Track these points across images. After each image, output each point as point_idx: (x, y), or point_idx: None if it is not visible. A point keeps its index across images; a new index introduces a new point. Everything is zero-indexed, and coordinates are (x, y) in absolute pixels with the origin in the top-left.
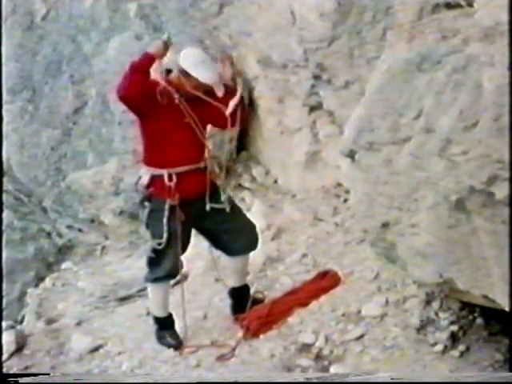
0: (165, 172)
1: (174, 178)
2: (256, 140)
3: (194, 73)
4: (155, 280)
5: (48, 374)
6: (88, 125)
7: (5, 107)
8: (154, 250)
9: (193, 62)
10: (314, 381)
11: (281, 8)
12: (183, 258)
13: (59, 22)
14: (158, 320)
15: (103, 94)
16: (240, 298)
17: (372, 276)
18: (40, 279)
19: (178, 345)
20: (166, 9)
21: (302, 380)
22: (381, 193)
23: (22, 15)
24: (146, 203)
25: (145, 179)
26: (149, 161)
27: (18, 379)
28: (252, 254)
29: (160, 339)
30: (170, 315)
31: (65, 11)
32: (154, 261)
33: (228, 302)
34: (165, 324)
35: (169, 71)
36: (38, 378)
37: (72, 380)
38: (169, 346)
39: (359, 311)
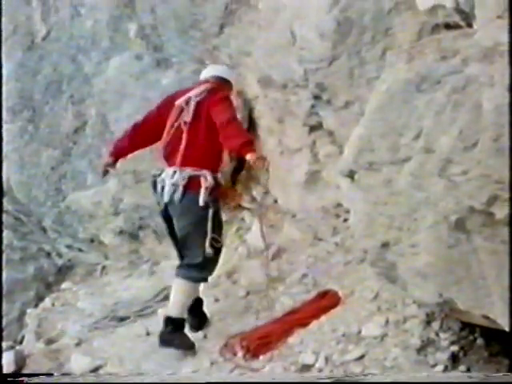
0: (220, 176)
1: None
2: None
3: None
4: (203, 280)
5: (51, 374)
6: (88, 144)
7: (5, 127)
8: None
9: None
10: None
11: (281, 28)
12: None
13: (60, 41)
14: (174, 321)
15: (103, 114)
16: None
17: (372, 296)
18: (39, 299)
19: (192, 346)
20: (166, 29)
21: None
22: (381, 213)
23: (23, 35)
24: (212, 204)
25: (210, 183)
26: (214, 167)
27: (23, 379)
28: (252, 273)
29: (171, 342)
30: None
31: (65, 31)
32: (210, 261)
33: (228, 322)
34: (181, 325)
35: None
36: (41, 379)
37: (74, 380)
38: (183, 348)
39: (359, 331)
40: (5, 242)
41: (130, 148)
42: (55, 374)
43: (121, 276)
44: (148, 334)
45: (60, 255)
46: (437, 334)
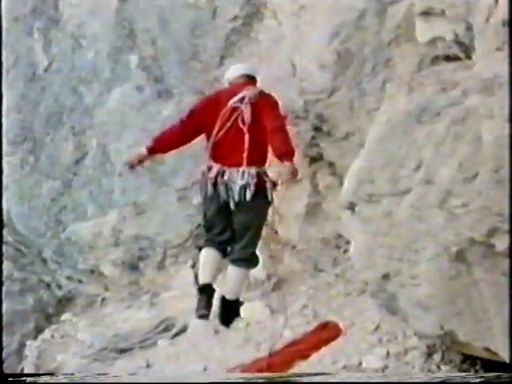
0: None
1: None
2: None
3: None
4: (255, 266)
5: (51, 374)
6: (88, 176)
7: (5, 159)
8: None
9: None
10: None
11: (281, 59)
12: None
13: (61, 73)
14: (232, 303)
15: (104, 145)
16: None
17: (373, 327)
18: (39, 331)
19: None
20: (167, 60)
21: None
22: (381, 244)
23: (25, 67)
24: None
25: (271, 180)
26: (267, 164)
27: (24, 379)
28: (252, 304)
29: (231, 321)
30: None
31: (67, 63)
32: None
33: (228, 352)
34: (239, 306)
35: None
36: (41, 379)
37: (75, 380)
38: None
39: (360, 363)
40: (5, 273)
41: (175, 144)
42: (57, 374)
43: (121, 307)
44: (148, 365)
45: (60, 286)
46: (438, 367)
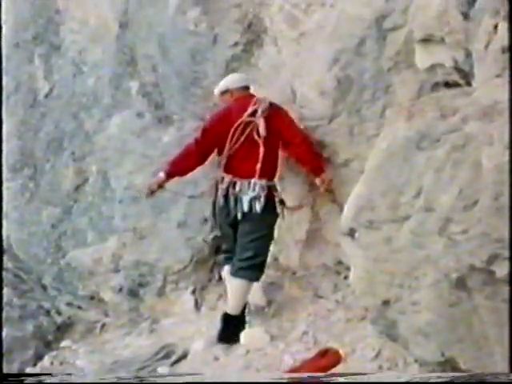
0: None
1: None
2: None
3: None
4: (258, 279)
5: (50, 374)
6: (88, 202)
7: (5, 184)
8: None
9: None
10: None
11: (281, 86)
12: None
13: (62, 99)
14: (234, 319)
15: (104, 171)
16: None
17: (373, 354)
18: (38, 358)
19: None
20: (168, 86)
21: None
22: (381, 270)
23: (25, 93)
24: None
25: (279, 192)
26: (276, 175)
27: (22, 379)
28: (252, 331)
29: (231, 338)
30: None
31: (68, 89)
32: (265, 262)
33: (228, 378)
34: (242, 322)
35: None
36: (41, 379)
37: (74, 380)
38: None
39: None
40: (4, 299)
41: (194, 164)
42: (56, 374)
43: (120, 334)
44: None
45: (59, 313)
46: None
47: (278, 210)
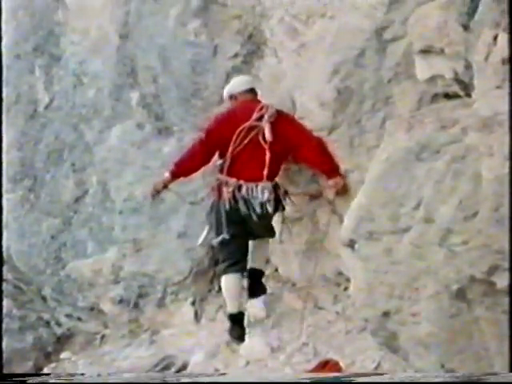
0: None
1: None
2: None
3: None
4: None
5: (49, 374)
6: (88, 213)
7: (5, 196)
8: None
9: None
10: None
11: (281, 97)
12: None
13: (62, 110)
14: (235, 317)
15: (104, 182)
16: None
17: (373, 366)
18: (38, 369)
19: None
20: (168, 98)
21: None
22: (381, 282)
23: (26, 104)
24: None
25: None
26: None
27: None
28: (252, 342)
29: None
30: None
31: (68, 100)
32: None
33: None
34: (240, 319)
35: None
36: (41, 379)
37: (74, 380)
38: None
39: None
40: (4, 310)
41: (199, 164)
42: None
43: (120, 345)
44: None
45: (59, 324)
46: None
47: (284, 203)
